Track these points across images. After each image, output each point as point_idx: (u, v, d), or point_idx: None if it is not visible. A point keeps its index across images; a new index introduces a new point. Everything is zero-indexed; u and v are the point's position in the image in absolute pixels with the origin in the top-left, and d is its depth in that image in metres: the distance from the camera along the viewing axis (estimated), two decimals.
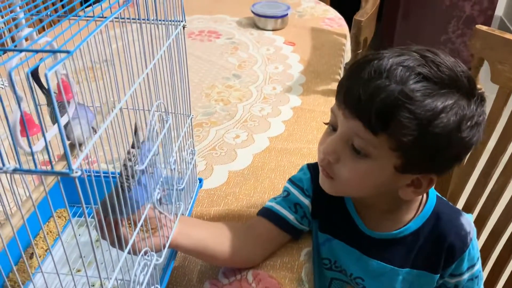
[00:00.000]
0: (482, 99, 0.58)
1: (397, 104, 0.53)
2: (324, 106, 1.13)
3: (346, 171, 0.60)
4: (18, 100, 0.33)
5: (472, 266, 0.70)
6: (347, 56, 1.46)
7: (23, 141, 0.39)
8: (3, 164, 0.31)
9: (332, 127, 0.62)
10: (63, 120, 0.42)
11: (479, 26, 0.97)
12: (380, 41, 2.55)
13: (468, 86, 0.57)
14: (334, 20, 1.61)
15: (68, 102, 0.46)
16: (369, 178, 0.60)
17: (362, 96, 0.55)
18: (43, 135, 0.33)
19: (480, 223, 1.00)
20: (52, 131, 0.43)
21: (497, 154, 0.97)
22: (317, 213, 0.72)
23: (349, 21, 1.62)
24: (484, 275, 0.99)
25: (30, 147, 0.34)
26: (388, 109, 0.54)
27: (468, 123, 0.56)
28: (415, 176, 0.60)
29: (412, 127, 0.53)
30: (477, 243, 0.70)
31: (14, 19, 0.43)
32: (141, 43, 0.50)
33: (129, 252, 0.47)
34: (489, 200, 0.99)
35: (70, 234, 0.73)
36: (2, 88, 0.92)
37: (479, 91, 0.58)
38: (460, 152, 0.59)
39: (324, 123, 0.66)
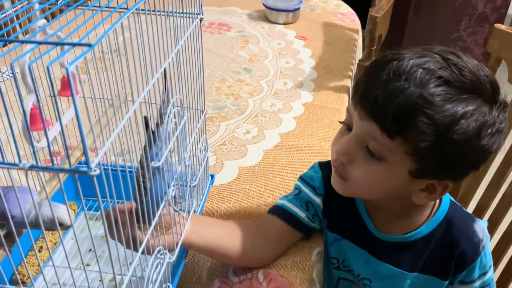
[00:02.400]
0: (505, 106, 0.57)
1: (415, 108, 0.52)
2: (336, 103, 1.11)
3: (359, 173, 0.59)
4: (37, 95, 0.32)
5: (483, 274, 0.69)
6: (359, 52, 1.44)
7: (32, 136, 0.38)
8: (20, 161, 0.30)
9: (347, 126, 0.61)
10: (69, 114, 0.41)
11: (497, 25, 0.95)
12: (390, 38, 2.52)
13: (490, 92, 0.55)
14: (347, 15, 1.59)
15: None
16: (382, 181, 0.59)
17: (380, 98, 0.53)
18: (61, 129, 0.32)
19: (492, 226, 0.98)
20: (54, 129, 0.42)
21: None
22: (328, 212, 0.70)
23: (360, 16, 1.60)
24: (495, 278, 0.98)
25: (48, 141, 0.32)
26: (405, 113, 0.52)
27: (489, 131, 0.54)
28: (430, 182, 0.59)
29: (429, 133, 0.52)
30: (489, 251, 0.69)
31: (27, 11, 0.42)
32: (157, 35, 0.49)
33: (142, 252, 0.46)
34: (502, 202, 0.97)
35: (79, 227, 0.72)
36: (11, 76, 0.91)
37: (502, 96, 0.57)
38: (478, 160, 0.57)
39: (339, 122, 0.65)
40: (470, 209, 1.05)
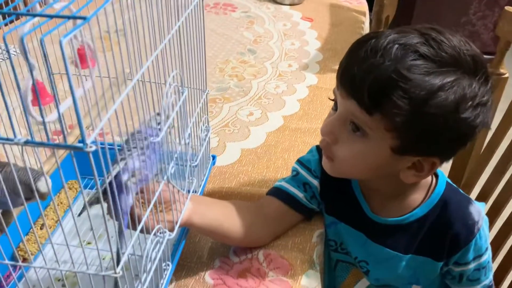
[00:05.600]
0: (486, 79, 0.55)
1: (390, 83, 0.52)
2: None
3: (343, 152, 0.60)
4: (31, 68, 0.31)
5: (479, 256, 0.68)
6: None
7: (34, 111, 0.37)
8: (15, 136, 0.29)
9: (335, 106, 0.61)
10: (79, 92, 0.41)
11: (508, 8, 0.93)
12: (398, 20, 2.48)
13: (471, 65, 0.54)
14: None
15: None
16: (366, 159, 0.59)
17: (357, 75, 0.54)
18: (57, 107, 0.32)
19: (495, 211, 0.98)
20: (66, 103, 0.42)
21: None
22: (325, 195, 0.71)
23: None
24: (497, 263, 0.98)
25: (43, 117, 0.32)
26: (381, 88, 0.52)
27: (469, 104, 0.53)
28: (416, 159, 0.58)
29: (405, 107, 0.52)
30: (486, 233, 0.68)
31: None
32: (157, 14, 0.48)
33: (141, 231, 0.46)
34: (506, 188, 0.97)
35: (80, 206, 0.72)
36: (14, 55, 0.90)
37: (485, 69, 0.55)
38: (462, 135, 0.56)
39: (330, 99, 0.65)
40: (474, 194, 1.05)
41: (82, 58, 0.37)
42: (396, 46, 0.53)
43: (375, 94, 0.53)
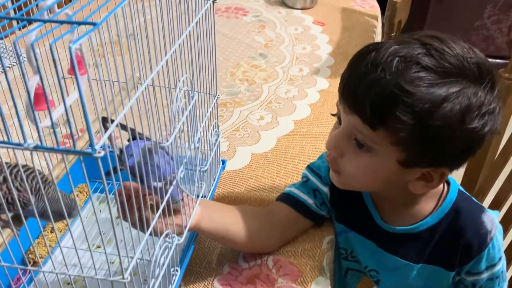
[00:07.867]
0: (492, 85, 0.54)
1: (392, 98, 0.51)
2: None
3: (350, 166, 0.59)
4: (39, 72, 0.31)
5: (492, 265, 0.67)
6: (378, 39, 1.41)
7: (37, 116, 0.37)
8: (25, 141, 0.29)
9: (339, 120, 0.60)
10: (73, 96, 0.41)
11: None
12: (411, 24, 2.46)
13: (476, 73, 0.52)
14: (366, 1, 1.55)
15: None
16: (373, 173, 0.58)
17: (358, 90, 0.53)
18: (66, 112, 0.31)
19: (509, 219, 0.96)
20: (59, 109, 0.42)
21: None
22: (335, 203, 0.70)
23: (380, 1, 1.56)
24: (511, 272, 0.96)
25: (36, 124, 0.32)
26: (383, 104, 0.51)
27: (476, 113, 0.52)
28: (425, 170, 0.57)
29: (409, 121, 0.50)
30: (499, 242, 0.66)
31: None
32: (168, 18, 0.48)
33: (150, 234, 0.46)
34: None
35: (90, 210, 0.73)
36: (26, 60, 0.91)
37: (491, 76, 0.54)
38: (470, 144, 0.55)
39: (332, 114, 0.64)
40: (487, 201, 1.03)
41: (79, 64, 0.37)
42: (397, 59, 0.51)
43: (377, 110, 0.52)
